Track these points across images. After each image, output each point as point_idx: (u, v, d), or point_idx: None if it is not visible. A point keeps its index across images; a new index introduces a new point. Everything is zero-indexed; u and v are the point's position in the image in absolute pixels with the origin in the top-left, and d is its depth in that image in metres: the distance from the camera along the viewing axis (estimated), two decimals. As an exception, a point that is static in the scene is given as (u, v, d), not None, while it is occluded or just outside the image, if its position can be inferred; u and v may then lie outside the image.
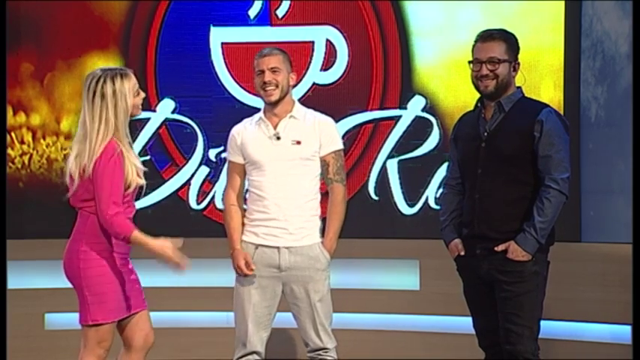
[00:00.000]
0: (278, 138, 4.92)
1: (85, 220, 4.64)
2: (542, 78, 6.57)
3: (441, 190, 5.00)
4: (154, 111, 7.22)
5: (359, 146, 7.06)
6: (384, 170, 6.99)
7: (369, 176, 7.03)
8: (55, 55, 7.12)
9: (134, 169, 4.62)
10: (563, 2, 6.60)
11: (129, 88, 4.64)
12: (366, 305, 6.78)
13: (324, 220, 5.07)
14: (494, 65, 4.68)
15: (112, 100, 4.60)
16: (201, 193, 7.21)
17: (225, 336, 6.72)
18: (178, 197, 7.21)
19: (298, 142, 4.92)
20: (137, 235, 4.57)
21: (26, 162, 7.16)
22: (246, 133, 5.00)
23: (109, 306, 4.60)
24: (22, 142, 7.15)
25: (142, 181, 4.65)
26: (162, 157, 7.23)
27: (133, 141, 7.00)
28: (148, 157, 7.14)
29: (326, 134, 4.98)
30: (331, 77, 7.07)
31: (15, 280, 6.91)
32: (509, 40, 4.74)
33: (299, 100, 5.25)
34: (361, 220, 6.71)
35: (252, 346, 4.96)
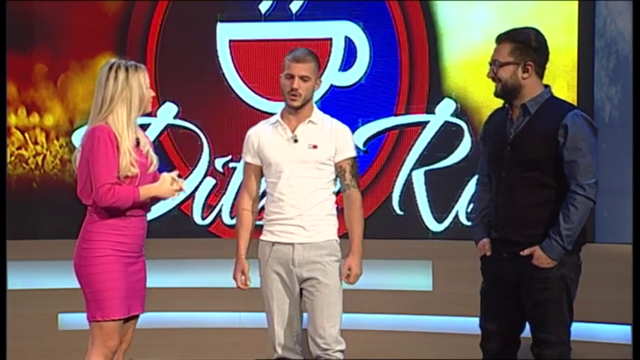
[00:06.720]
0: (295, 141, 4.97)
1: (88, 217, 4.69)
2: (555, 78, 6.52)
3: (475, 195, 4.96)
4: (155, 116, 6.90)
5: (382, 155, 6.72)
6: (409, 182, 6.74)
7: (393, 188, 6.73)
8: (69, 55, 7.10)
9: (128, 157, 4.61)
10: (576, 2, 6.57)
11: (143, 79, 4.68)
12: (378, 306, 6.77)
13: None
14: (496, 68, 4.64)
15: (121, 86, 4.64)
16: (207, 208, 6.87)
17: (238, 336, 6.75)
18: (181, 212, 6.90)
19: (315, 147, 4.97)
20: (143, 190, 4.64)
21: (40, 162, 7.15)
22: (263, 136, 5.04)
23: (107, 304, 4.60)
24: (35, 143, 7.13)
25: (136, 170, 4.64)
26: (163, 167, 6.72)
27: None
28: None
29: (342, 141, 5.03)
30: (351, 78, 6.70)
31: (29, 281, 6.93)
32: (517, 40, 4.61)
33: (315, 103, 5.21)
34: (384, 234, 6.55)
35: (282, 348, 4.99)
